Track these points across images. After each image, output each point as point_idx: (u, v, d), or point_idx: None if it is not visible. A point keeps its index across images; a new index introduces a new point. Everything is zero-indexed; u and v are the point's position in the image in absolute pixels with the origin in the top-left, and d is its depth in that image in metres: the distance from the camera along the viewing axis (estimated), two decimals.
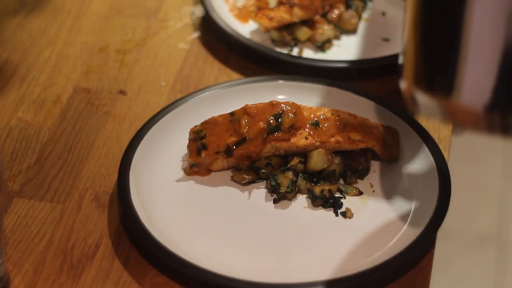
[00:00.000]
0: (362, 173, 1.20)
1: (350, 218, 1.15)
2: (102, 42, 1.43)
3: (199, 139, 1.18)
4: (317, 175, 1.18)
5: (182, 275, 1.06)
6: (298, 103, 1.19)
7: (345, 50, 1.42)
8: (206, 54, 1.41)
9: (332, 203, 1.16)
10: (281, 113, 1.16)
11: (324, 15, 1.42)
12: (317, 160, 1.17)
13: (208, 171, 1.19)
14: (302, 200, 1.17)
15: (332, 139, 1.17)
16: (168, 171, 1.19)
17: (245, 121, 1.16)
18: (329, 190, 1.16)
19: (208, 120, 1.19)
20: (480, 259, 2.42)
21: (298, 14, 1.39)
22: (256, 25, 1.43)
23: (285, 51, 1.40)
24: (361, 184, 1.19)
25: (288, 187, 1.15)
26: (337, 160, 1.18)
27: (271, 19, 1.39)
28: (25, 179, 1.19)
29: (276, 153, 1.18)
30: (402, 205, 1.16)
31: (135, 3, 1.51)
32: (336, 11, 1.43)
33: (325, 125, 1.18)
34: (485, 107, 0.87)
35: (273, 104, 1.18)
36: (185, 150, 1.20)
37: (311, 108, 1.20)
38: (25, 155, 1.22)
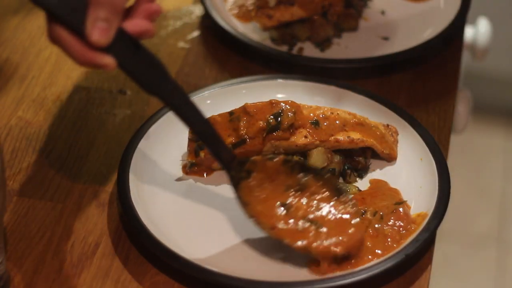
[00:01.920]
0: (362, 172, 1.20)
1: None
2: None
3: (197, 140, 1.18)
4: None
5: (181, 274, 1.06)
6: (298, 102, 1.19)
7: (345, 49, 1.42)
8: (206, 53, 1.41)
9: None
10: (281, 112, 1.16)
11: (324, 14, 1.42)
12: (317, 159, 1.17)
13: (208, 170, 1.19)
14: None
15: (332, 138, 1.17)
16: (168, 170, 1.19)
17: (244, 122, 1.16)
18: None
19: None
20: (480, 259, 2.42)
21: (297, 12, 1.39)
22: (255, 24, 1.43)
23: (284, 50, 1.40)
24: (360, 183, 1.19)
25: None
26: (336, 158, 1.18)
27: (270, 18, 1.39)
28: (25, 178, 1.19)
29: (275, 152, 1.18)
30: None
31: None
32: (335, 10, 1.43)
33: (325, 124, 1.18)
34: None
35: (272, 103, 1.18)
36: (185, 149, 1.20)
37: (311, 107, 1.20)
38: (25, 154, 1.22)
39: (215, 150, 1.06)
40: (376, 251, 1.08)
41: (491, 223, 2.50)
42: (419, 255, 1.11)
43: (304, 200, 1.09)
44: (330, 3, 1.41)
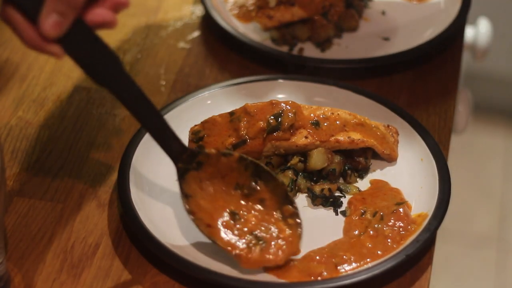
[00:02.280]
0: (362, 172, 1.20)
1: None
2: None
3: (196, 141, 1.18)
4: (317, 174, 1.18)
5: (182, 274, 1.06)
6: (298, 102, 1.19)
7: (345, 49, 1.42)
8: (206, 54, 1.41)
9: (332, 202, 1.16)
10: (281, 112, 1.16)
11: (324, 14, 1.42)
12: (317, 159, 1.17)
13: None
14: (302, 199, 1.17)
15: (332, 139, 1.17)
16: (169, 170, 1.19)
17: (244, 122, 1.16)
18: (329, 189, 1.16)
19: (208, 119, 1.19)
20: (480, 259, 2.42)
21: (298, 13, 1.39)
22: (256, 24, 1.43)
23: (285, 50, 1.40)
24: (361, 183, 1.19)
25: (288, 186, 1.15)
26: (337, 159, 1.18)
27: (271, 18, 1.39)
28: (26, 178, 1.19)
29: (276, 152, 1.18)
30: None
31: (135, 2, 1.51)
32: (336, 10, 1.42)
33: (325, 124, 1.18)
34: None
35: (273, 103, 1.18)
36: None
37: (311, 107, 1.20)
38: (26, 154, 1.22)
39: (163, 141, 1.07)
40: (377, 252, 1.08)
41: (491, 224, 2.50)
42: (420, 255, 1.11)
43: (248, 207, 1.08)
44: (330, 3, 1.41)
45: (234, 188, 1.09)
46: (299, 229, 1.07)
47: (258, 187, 1.09)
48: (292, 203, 1.08)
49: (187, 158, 1.07)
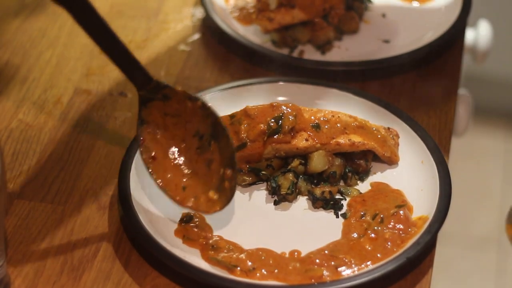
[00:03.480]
0: (363, 175, 1.20)
1: None
2: None
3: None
4: (317, 177, 1.18)
5: (182, 277, 1.06)
6: (299, 105, 1.19)
7: (346, 51, 1.42)
8: (207, 56, 1.41)
9: (332, 204, 1.16)
10: (282, 115, 1.16)
11: (325, 17, 1.42)
12: (318, 162, 1.17)
13: None
14: (302, 201, 1.17)
15: (333, 141, 1.17)
16: None
17: (245, 125, 1.16)
18: (330, 192, 1.16)
19: None
20: (480, 262, 2.41)
21: (298, 15, 1.39)
22: (256, 26, 1.43)
23: (285, 52, 1.40)
24: (361, 186, 1.19)
25: (288, 188, 1.15)
26: (337, 161, 1.18)
27: (271, 20, 1.39)
28: (26, 181, 1.19)
29: (276, 155, 1.18)
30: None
31: (136, 4, 1.51)
32: (336, 13, 1.42)
33: (326, 127, 1.18)
34: None
35: (273, 106, 1.17)
36: None
37: (312, 110, 1.20)
38: (26, 156, 1.22)
39: (125, 68, 1.09)
40: (377, 255, 1.08)
41: (491, 225, 2.50)
42: (420, 258, 1.11)
43: (195, 161, 1.11)
44: (331, 5, 1.41)
45: (194, 135, 1.11)
46: (229, 196, 1.09)
47: (211, 147, 1.11)
48: (234, 167, 1.09)
49: (152, 89, 1.10)
